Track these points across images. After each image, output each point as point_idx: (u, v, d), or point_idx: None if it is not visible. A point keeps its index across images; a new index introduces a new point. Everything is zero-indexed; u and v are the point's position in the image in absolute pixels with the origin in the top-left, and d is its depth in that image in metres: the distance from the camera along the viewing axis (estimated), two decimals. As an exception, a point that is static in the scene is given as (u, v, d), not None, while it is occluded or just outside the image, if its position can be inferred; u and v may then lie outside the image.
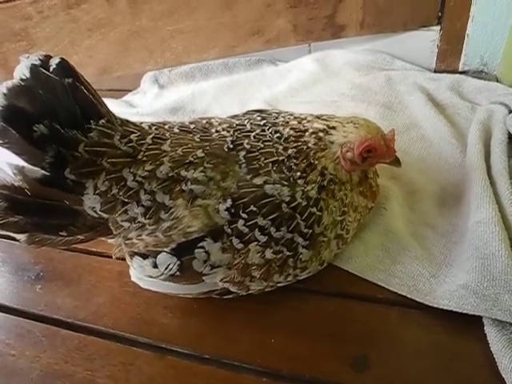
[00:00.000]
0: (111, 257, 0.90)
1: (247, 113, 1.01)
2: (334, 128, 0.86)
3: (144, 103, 1.74)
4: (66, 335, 0.92)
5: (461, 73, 1.49)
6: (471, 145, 1.11)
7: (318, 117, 0.91)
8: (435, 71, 1.54)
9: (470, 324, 0.79)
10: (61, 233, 0.80)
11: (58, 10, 1.50)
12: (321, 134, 0.86)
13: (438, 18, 1.44)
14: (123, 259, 0.90)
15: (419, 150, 1.23)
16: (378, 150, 0.85)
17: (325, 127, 0.87)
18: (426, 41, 1.51)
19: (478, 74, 1.48)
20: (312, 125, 0.88)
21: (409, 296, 0.86)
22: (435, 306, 0.82)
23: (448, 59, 1.50)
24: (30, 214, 0.78)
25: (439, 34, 1.47)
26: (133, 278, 0.89)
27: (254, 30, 1.54)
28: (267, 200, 0.79)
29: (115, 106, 1.63)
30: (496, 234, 0.85)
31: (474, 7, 1.36)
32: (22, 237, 0.80)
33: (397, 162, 0.92)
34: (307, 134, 0.86)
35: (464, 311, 0.79)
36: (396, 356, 0.80)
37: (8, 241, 1.16)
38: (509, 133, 1.13)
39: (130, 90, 1.85)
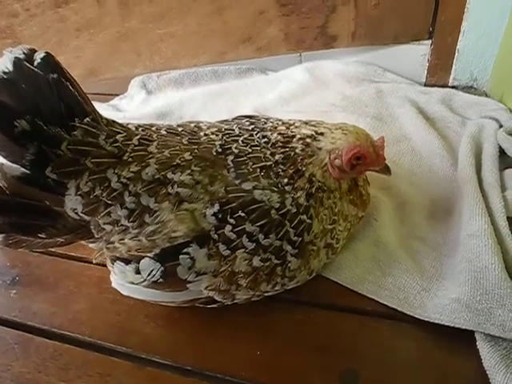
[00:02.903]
0: (91, 262, 0.88)
1: (236, 118, 0.99)
2: (321, 134, 0.85)
3: (131, 108, 1.72)
4: (40, 343, 0.88)
5: (451, 87, 1.50)
6: (463, 157, 1.10)
7: (306, 123, 0.90)
8: (425, 85, 1.54)
9: (462, 338, 0.77)
10: (39, 234, 0.77)
11: (45, 8, 1.46)
12: (308, 140, 0.84)
13: (430, 33, 1.45)
14: (104, 265, 0.87)
15: (409, 162, 1.22)
16: (367, 158, 0.83)
17: (313, 133, 0.85)
18: (416, 55, 1.52)
19: (468, 90, 1.48)
20: (300, 130, 0.86)
21: (399, 309, 0.84)
22: (426, 319, 0.80)
23: (438, 73, 1.51)
24: (7, 214, 0.75)
25: (430, 49, 1.47)
26: (113, 285, 0.86)
27: (245, 37, 1.52)
28: (256, 206, 0.77)
29: (101, 110, 1.55)
30: (489, 247, 0.84)
31: (466, 23, 1.37)
32: (-3, 237, 0.77)
33: (387, 170, 0.90)
34: (295, 139, 0.85)
35: (456, 325, 0.77)
36: (386, 371, 0.77)
37: (-17, 243, 1.11)
38: (499, 147, 1.12)
39: (117, 95, 1.83)
